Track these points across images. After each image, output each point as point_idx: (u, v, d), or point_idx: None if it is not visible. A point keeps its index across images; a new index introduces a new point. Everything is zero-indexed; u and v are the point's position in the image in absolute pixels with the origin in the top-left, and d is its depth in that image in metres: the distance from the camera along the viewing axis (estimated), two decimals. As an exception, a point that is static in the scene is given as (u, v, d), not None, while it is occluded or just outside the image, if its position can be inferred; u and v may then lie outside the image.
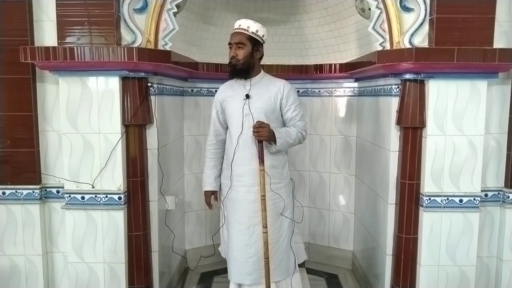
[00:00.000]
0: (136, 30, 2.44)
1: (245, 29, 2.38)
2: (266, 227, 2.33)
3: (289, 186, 2.53)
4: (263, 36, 2.43)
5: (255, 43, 2.40)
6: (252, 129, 2.31)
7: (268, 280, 2.35)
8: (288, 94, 2.45)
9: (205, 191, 2.63)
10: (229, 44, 2.41)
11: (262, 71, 2.52)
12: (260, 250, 2.37)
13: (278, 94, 2.44)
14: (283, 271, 2.48)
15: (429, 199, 2.48)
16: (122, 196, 2.50)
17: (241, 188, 2.43)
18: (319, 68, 3.49)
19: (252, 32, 2.38)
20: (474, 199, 2.48)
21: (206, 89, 3.53)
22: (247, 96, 2.40)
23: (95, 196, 2.51)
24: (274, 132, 2.32)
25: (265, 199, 2.32)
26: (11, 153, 2.58)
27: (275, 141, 2.32)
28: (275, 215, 2.42)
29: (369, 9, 2.74)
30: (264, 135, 2.29)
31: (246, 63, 2.39)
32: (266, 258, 2.34)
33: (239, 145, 2.41)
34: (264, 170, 2.33)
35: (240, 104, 2.42)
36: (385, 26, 2.46)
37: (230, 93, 2.48)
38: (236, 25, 2.41)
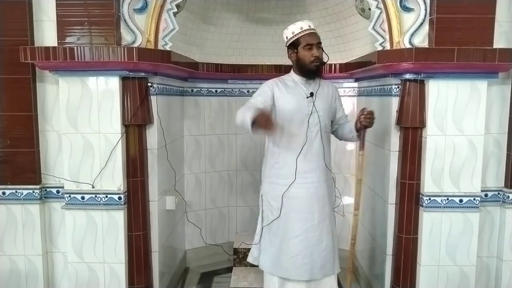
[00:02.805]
0: (136, 30, 2.44)
1: (315, 30, 2.37)
2: (358, 210, 2.50)
3: None
4: None
5: None
6: (365, 115, 2.33)
7: (351, 262, 2.55)
8: (339, 95, 2.57)
9: (257, 110, 2.07)
10: (309, 45, 2.30)
11: None
12: (330, 243, 2.42)
13: (332, 94, 2.49)
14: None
15: (429, 199, 2.48)
16: (122, 196, 2.50)
17: (307, 184, 2.38)
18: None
19: None
20: (474, 199, 2.48)
21: (206, 89, 3.53)
22: (311, 94, 2.38)
23: (95, 196, 2.51)
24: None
25: (360, 184, 2.46)
26: (11, 153, 2.58)
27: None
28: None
29: (369, 9, 2.74)
30: (372, 123, 2.37)
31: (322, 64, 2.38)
32: (353, 240, 2.53)
33: (306, 143, 2.37)
34: (363, 155, 2.45)
35: (303, 103, 2.37)
36: (385, 26, 2.46)
37: (289, 90, 2.39)
38: (306, 26, 2.33)
